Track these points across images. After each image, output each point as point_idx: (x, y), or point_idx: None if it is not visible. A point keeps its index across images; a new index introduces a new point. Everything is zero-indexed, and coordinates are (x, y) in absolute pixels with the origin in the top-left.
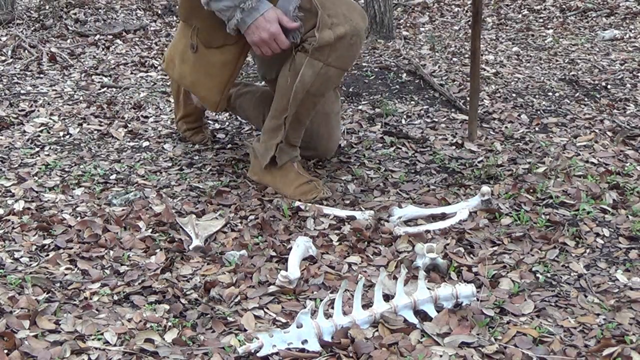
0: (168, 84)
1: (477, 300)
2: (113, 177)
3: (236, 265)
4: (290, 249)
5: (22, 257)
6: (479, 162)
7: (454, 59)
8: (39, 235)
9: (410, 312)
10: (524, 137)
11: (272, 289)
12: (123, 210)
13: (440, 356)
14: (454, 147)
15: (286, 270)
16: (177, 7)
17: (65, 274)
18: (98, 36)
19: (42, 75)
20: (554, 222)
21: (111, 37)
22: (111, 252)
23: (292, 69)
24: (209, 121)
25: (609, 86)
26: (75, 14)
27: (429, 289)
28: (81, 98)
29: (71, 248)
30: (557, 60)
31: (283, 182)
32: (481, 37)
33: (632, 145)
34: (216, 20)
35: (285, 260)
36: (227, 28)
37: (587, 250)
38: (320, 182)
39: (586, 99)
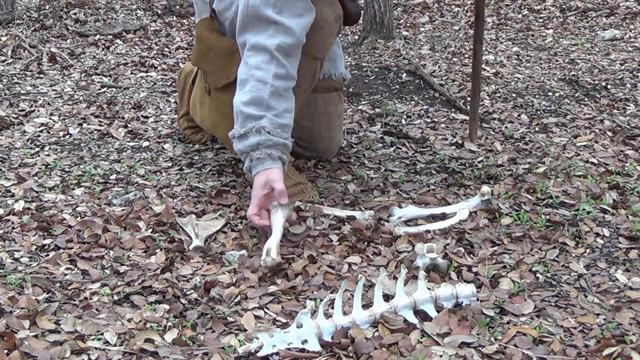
0: (168, 84)
1: (477, 300)
2: (113, 177)
3: (236, 265)
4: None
5: (22, 257)
6: (479, 162)
7: (454, 59)
8: (39, 235)
9: (410, 312)
10: (524, 137)
11: (272, 288)
12: (123, 210)
13: (440, 356)
14: (454, 147)
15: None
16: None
17: (65, 274)
18: (98, 36)
19: (42, 75)
20: (554, 222)
21: (111, 37)
22: (111, 252)
23: None
24: None
25: (609, 86)
26: (75, 14)
27: (429, 289)
28: (81, 98)
29: (71, 248)
30: (557, 60)
31: None
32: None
33: (632, 145)
34: (220, 62)
35: (286, 260)
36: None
37: (587, 250)
38: (308, 185)
39: (586, 99)
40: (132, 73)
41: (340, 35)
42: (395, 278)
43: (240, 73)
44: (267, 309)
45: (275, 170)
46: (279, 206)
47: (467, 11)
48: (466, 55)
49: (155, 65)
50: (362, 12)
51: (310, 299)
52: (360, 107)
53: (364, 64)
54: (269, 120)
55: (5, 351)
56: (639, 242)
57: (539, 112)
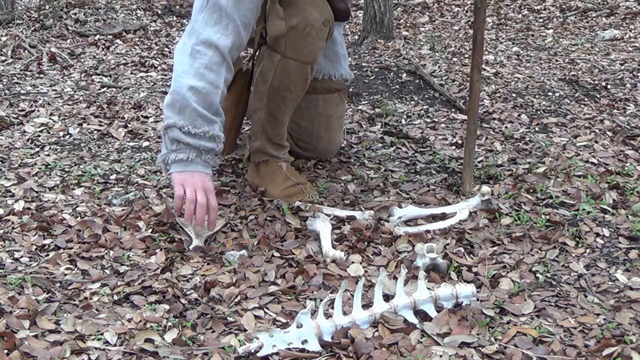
0: (168, 84)
1: (477, 300)
2: (113, 177)
3: (236, 265)
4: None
5: (22, 257)
6: (479, 162)
7: (454, 59)
8: (39, 235)
9: (410, 312)
10: (524, 137)
11: (272, 288)
12: (123, 210)
13: (440, 356)
14: (454, 147)
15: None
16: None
17: (65, 274)
18: (98, 36)
19: (42, 75)
20: (554, 222)
21: (111, 37)
22: (111, 252)
23: (257, 62)
24: None
25: (609, 86)
26: (75, 14)
27: (429, 289)
28: (81, 98)
29: (71, 248)
30: (557, 60)
31: (271, 184)
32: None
33: (632, 145)
34: None
35: (286, 260)
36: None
37: (587, 250)
38: (308, 185)
39: (586, 99)
40: (132, 73)
41: (343, 35)
42: (395, 278)
43: (187, 59)
44: (267, 309)
45: (209, 177)
46: (322, 216)
47: (467, 11)
48: (466, 56)
49: (155, 65)
50: (352, 8)
51: (310, 299)
52: (360, 107)
53: (364, 64)
54: (220, 129)
55: (5, 351)
56: (639, 242)
57: (539, 112)
